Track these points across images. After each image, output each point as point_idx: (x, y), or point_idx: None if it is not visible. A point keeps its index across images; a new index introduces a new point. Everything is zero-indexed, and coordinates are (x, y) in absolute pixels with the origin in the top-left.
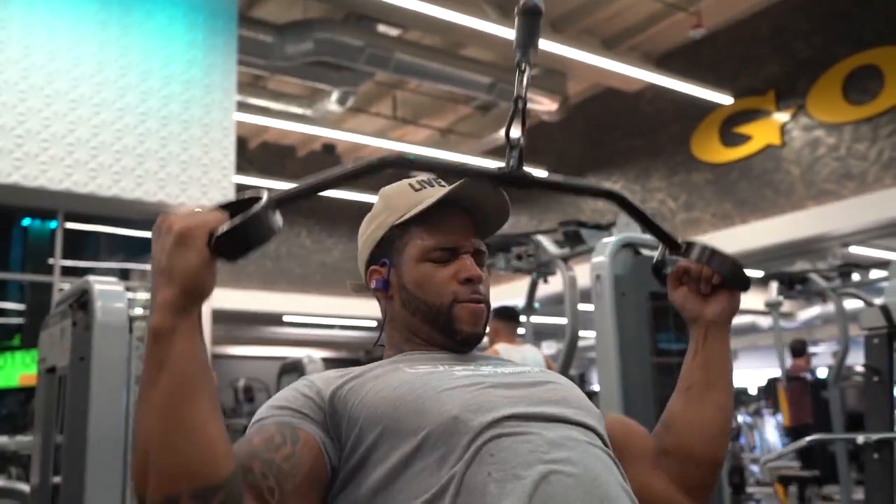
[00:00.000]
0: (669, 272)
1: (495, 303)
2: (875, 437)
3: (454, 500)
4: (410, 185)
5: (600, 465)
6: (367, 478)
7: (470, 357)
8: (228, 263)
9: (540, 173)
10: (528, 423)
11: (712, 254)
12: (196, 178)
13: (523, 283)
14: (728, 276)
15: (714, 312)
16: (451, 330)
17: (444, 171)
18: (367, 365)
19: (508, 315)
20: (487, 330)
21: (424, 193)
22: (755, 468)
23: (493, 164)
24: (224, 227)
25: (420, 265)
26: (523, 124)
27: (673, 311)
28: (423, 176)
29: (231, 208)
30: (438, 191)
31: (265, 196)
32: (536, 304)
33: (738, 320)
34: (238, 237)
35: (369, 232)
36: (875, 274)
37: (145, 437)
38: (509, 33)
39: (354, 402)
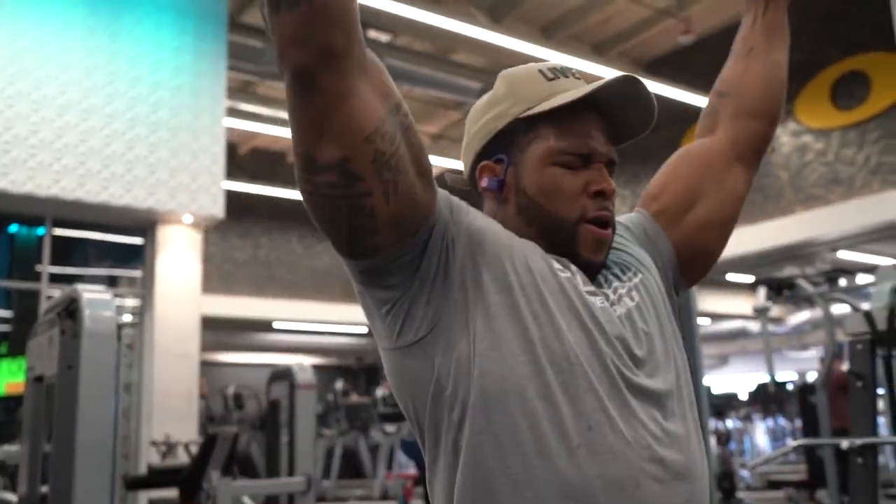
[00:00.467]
0: None
1: None
2: (859, 441)
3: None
4: (541, 71)
5: (680, 439)
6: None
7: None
8: None
9: None
10: (631, 399)
11: None
12: (185, 184)
13: None
14: None
15: None
16: (573, 252)
17: None
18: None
19: None
20: None
21: (558, 84)
22: (745, 473)
23: None
24: None
25: (547, 168)
26: None
27: None
28: (554, 63)
29: None
30: (575, 83)
31: None
32: None
33: (727, 325)
34: None
35: (486, 120)
36: (862, 279)
37: None
38: (499, 39)
39: (484, 238)
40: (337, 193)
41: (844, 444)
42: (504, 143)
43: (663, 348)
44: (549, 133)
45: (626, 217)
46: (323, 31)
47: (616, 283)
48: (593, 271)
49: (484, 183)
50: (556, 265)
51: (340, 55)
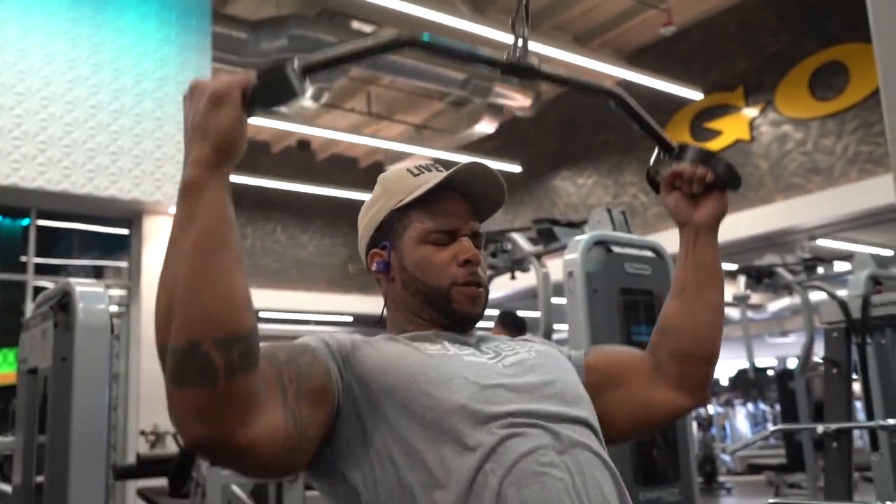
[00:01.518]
0: (662, 178)
1: None
2: (834, 426)
3: (452, 487)
4: (409, 170)
5: (594, 464)
6: (372, 439)
7: (473, 337)
8: (261, 112)
9: (514, 167)
10: (529, 419)
11: (706, 154)
12: (170, 175)
13: (498, 280)
14: (721, 174)
15: (704, 215)
16: (450, 311)
17: (455, 55)
18: (377, 336)
19: (512, 322)
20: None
21: (423, 178)
22: (726, 458)
23: (466, 159)
24: (254, 83)
25: (420, 247)
26: (527, 17)
27: (643, 304)
28: (422, 161)
29: (261, 74)
30: (436, 175)
31: (294, 60)
32: None
33: None
34: (268, 92)
35: (370, 216)
36: (839, 266)
37: (171, 284)
38: (482, 30)
39: (367, 363)
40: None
41: (820, 428)
42: (386, 232)
43: (544, 375)
44: (418, 217)
45: (566, 348)
46: (225, 412)
47: (509, 353)
48: (472, 322)
49: (374, 267)
50: (434, 347)
51: (239, 427)
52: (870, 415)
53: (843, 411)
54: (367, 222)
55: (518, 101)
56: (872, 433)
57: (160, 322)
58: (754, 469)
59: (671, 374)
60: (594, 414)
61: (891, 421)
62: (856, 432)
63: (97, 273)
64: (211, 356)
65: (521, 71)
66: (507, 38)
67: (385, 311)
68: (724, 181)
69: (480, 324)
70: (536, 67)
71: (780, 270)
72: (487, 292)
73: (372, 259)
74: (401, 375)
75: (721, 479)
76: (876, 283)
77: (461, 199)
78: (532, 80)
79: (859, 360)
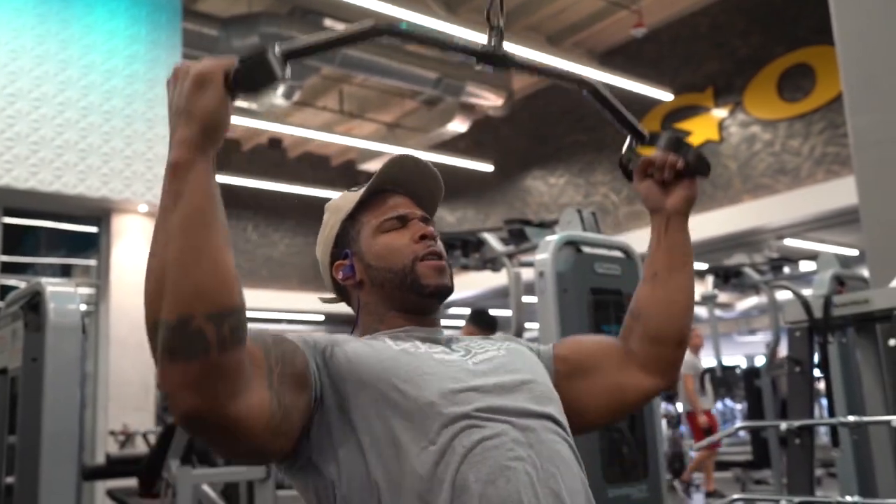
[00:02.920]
0: (634, 166)
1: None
2: (797, 423)
3: (415, 481)
4: (350, 189)
5: (559, 459)
6: (345, 434)
7: (443, 336)
8: (243, 97)
9: (486, 166)
10: (496, 415)
11: (676, 141)
12: (140, 173)
13: (470, 278)
14: (691, 161)
15: (675, 201)
16: (419, 286)
17: (432, 42)
18: (351, 335)
19: (483, 319)
20: (462, 332)
21: (363, 190)
22: (695, 455)
23: (439, 157)
24: (236, 66)
25: (377, 238)
26: (502, 8)
27: (613, 304)
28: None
29: (243, 59)
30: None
31: (275, 46)
32: None
33: None
34: (249, 76)
35: (324, 237)
36: (805, 266)
37: (161, 261)
38: (455, 30)
39: (342, 359)
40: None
41: (783, 425)
42: (343, 243)
43: (514, 374)
44: (368, 218)
45: (535, 343)
46: (214, 384)
47: (479, 350)
48: (443, 295)
49: (339, 276)
50: (405, 345)
51: (229, 399)
52: (832, 412)
53: (806, 409)
54: (323, 244)
55: (490, 100)
56: (834, 430)
57: (150, 299)
58: (722, 466)
59: (642, 357)
60: (562, 412)
61: (851, 418)
62: (821, 429)
63: (65, 271)
64: (203, 330)
65: (496, 59)
66: (480, 36)
67: (357, 321)
68: (693, 168)
69: (451, 322)
70: (511, 56)
71: (748, 270)
72: (451, 267)
73: (336, 271)
74: (373, 371)
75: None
76: (839, 282)
77: (402, 194)
78: (507, 69)
79: (821, 358)
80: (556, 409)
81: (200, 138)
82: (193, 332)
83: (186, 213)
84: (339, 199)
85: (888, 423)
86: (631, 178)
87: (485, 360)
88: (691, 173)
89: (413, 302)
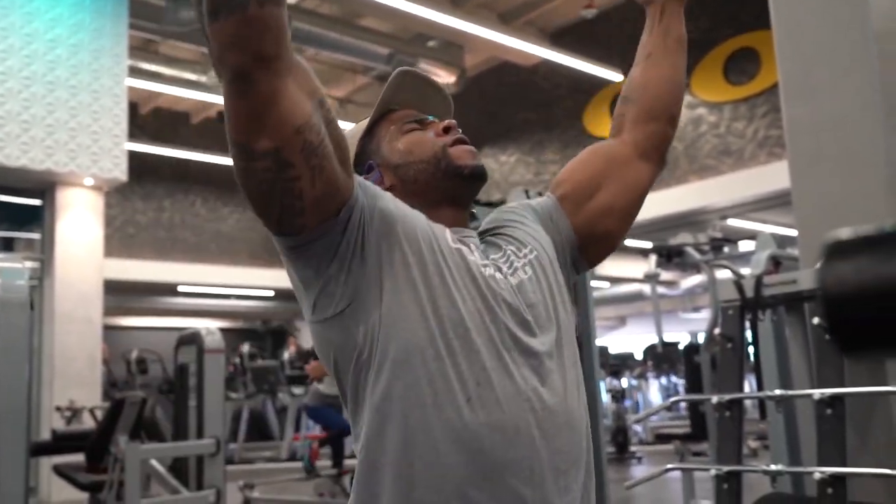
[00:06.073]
0: None
1: None
2: (727, 397)
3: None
4: (361, 121)
5: (571, 398)
6: (369, 311)
7: (473, 236)
8: None
9: None
10: (518, 357)
11: None
12: (86, 146)
13: None
14: None
15: None
16: (455, 167)
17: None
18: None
19: None
20: None
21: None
22: (638, 428)
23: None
24: None
25: (401, 138)
26: None
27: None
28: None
29: None
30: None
31: None
32: None
33: (625, 288)
34: None
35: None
36: (746, 246)
37: None
38: (408, 6)
39: (393, 206)
40: (270, 178)
41: (714, 399)
42: (364, 158)
43: (546, 315)
44: (386, 125)
45: (535, 201)
46: (257, 37)
47: (513, 258)
48: (480, 177)
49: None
50: (456, 245)
51: (273, 58)
52: (760, 386)
53: (736, 383)
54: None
55: (442, 77)
56: (762, 403)
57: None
58: (663, 439)
59: (635, 139)
60: (563, 327)
61: (777, 392)
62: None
63: (7, 245)
64: None
65: None
66: (432, 14)
67: None
68: None
69: None
70: None
71: (689, 249)
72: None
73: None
74: (425, 236)
75: (633, 448)
76: (775, 263)
77: (412, 109)
78: None
79: (752, 335)
80: (556, 334)
81: None
82: None
83: None
84: (352, 129)
85: (810, 395)
86: None
87: (517, 284)
88: None
89: (451, 189)
